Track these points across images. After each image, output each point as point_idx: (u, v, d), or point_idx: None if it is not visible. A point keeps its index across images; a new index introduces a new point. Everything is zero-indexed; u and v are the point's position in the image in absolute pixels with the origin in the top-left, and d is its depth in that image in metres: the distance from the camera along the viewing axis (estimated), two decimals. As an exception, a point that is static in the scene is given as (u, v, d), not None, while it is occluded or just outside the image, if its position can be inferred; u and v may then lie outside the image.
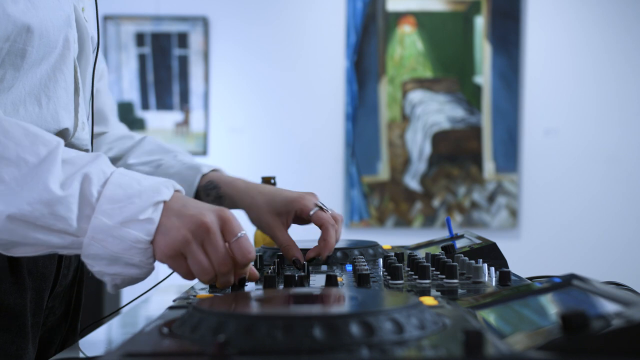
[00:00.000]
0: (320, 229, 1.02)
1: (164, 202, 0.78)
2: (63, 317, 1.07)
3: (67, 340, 1.10)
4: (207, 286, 0.86)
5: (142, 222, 0.75)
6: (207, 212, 0.78)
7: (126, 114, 3.63)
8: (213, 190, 1.10)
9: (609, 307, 0.56)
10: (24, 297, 0.93)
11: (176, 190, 0.81)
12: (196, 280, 0.92)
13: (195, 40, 3.59)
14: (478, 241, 1.09)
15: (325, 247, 1.00)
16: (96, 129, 1.17)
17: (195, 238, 0.77)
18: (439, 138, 3.60)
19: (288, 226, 1.05)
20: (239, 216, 0.84)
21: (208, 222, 0.77)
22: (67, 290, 1.06)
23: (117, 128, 1.22)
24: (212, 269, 0.77)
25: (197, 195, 1.11)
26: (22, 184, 0.74)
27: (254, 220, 1.07)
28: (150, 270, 0.78)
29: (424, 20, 3.61)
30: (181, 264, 0.78)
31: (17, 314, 0.92)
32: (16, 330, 0.92)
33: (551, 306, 0.65)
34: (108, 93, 1.22)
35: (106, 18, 3.58)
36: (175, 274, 1.18)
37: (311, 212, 1.02)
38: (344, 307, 0.63)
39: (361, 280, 0.81)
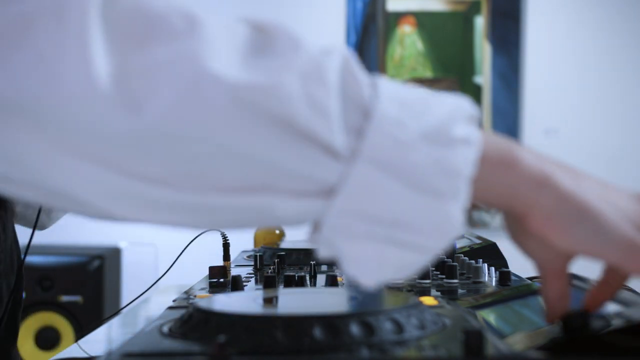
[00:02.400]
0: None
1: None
2: None
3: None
4: (206, 286, 0.86)
5: (457, 142, 0.42)
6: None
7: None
8: None
9: (609, 307, 0.56)
10: None
11: None
12: (201, 280, 0.92)
13: (195, 40, 3.59)
14: (478, 241, 1.09)
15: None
16: None
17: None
18: (439, 138, 3.61)
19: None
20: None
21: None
22: None
23: None
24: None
25: None
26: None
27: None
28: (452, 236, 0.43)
29: (424, 20, 3.61)
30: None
31: None
32: None
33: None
34: None
35: (106, 18, 3.58)
36: (175, 271, 1.14)
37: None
38: (344, 307, 0.63)
39: (361, 280, 0.81)
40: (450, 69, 3.63)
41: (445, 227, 0.42)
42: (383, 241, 0.42)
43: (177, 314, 0.63)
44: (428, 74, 3.62)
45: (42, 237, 1.14)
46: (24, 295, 1.10)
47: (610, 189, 0.47)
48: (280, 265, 0.98)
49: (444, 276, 0.86)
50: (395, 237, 0.42)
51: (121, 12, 0.41)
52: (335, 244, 0.43)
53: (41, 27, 0.39)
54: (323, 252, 0.44)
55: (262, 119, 0.40)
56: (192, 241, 1.04)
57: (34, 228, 1.02)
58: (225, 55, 0.41)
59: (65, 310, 2.88)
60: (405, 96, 0.44)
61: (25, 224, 1.05)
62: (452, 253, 1.01)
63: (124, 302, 3.05)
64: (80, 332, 2.69)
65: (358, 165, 0.41)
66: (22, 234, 1.03)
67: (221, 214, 0.43)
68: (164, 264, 1.22)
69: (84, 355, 1.04)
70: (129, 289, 3.11)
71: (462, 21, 3.62)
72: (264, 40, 0.43)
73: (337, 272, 0.93)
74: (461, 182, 0.42)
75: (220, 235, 1.00)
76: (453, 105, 0.44)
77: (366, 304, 0.62)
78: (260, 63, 0.41)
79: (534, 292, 0.69)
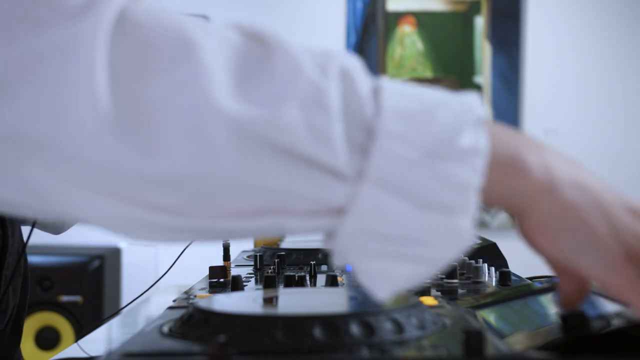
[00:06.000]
0: None
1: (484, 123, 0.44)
2: None
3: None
4: (206, 286, 0.86)
5: (463, 153, 0.42)
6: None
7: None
8: None
9: (609, 307, 0.56)
10: None
11: None
12: (201, 280, 0.92)
13: (195, 40, 3.59)
14: (478, 241, 1.09)
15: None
16: None
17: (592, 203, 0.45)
18: (439, 138, 3.61)
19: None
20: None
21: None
22: None
23: None
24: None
25: None
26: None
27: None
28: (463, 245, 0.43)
29: (424, 20, 3.61)
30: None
31: None
32: None
33: (551, 306, 0.65)
34: None
35: (106, 18, 3.58)
36: (175, 271, 1.14)
37: None
38: (344, 307, 0.63)
39: (361, 280, 0.81)
40: (450, 69, 3.63)
41: (456, 240, 0.42)
42: (394, 257, 0.42)
43: (177, 314, 0.63)
44: (428, 74, 3.62)
45: (42, 237, 1.14)
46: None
47: (611, 197, 0.47)
48: (280, 265, 0.98)
49: (444, 276, 0.86)
50: (406, 253, 0.42)
51: (126, 46, 0.41)
52: (348, 259, 0.43)
53: (50, 64, 0.40)
54: (338, 261, 0.44)
55: (267, 150, 0.41)
56: (192, 241, 1.04)
57: (29, 235, 1.01)
58: (224, 80, 0.41)
59: (65, 310, 2.88)
60: (408, 106, 0.43)
61: (41, 227, 1.05)
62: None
63: (124, 302, 3.05)
64: (80, 332, 2.69)
65: (364, 187, 0.41)
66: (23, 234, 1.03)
67: (233, 234, 0.44)
68: (164, 264, 1.22)
69: (84, 355, 1.04)
70: (129, 289, 3.11)
71: (462, 21, 3.62)
72: (261, 54, 0.43)
73: (337, 272, 0.93)
74: (470, 194, 0.42)
75: (220, 235, 1.00)
76: (459, 110, 0.43)
77: (366, 304, 0.62)
78: (260, 90, 0.41)
79: (534, 292, 0.69)
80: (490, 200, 0.45)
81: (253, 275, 0.96)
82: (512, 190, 0.45)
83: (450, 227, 0.42)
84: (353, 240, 0.42)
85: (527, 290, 0.71)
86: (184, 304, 0.73)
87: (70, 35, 0.40)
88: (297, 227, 0.43)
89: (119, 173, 0.41)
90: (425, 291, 0.78)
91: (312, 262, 0.90)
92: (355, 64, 0.43)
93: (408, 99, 0.43)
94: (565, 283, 0.50)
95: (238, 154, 0.40)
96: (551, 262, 0.49)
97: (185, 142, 0.40)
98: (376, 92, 0.43)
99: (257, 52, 0.43)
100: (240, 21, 0.45)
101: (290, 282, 0.80)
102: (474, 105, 0.44)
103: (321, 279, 0.89)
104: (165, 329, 0.58)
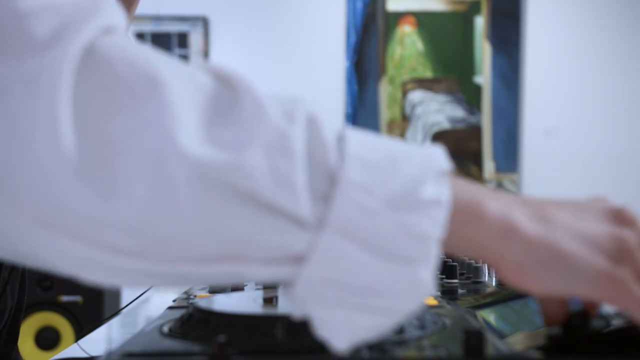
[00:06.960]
0: None
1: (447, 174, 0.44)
2: None
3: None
4: (206, 286, 0.85)
5: (425, 204, 0.42)
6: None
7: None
8: None
9: (609, 307, 0.56)
10: None
11: None
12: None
13: (195, 40, 3.59)
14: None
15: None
16: None
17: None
18: (439, 138, 3.61)
19: None
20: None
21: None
22: None
23: None
24: None
25: None
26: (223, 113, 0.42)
27: None
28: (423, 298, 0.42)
29: (424, 20, 3.61)
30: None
31: None
32: None
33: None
34: None
35: (106, 18, 3.58)
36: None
37: None
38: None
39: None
40: (450, 69, 3.62)
41: (416, 291, 0.42)
42: (353, 308, 0.41)
43: (177, 314, 0.63)
44: (428, 74, 3.62)
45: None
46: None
47: (580, 214, 0.46)
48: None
49: (444, 276, 0.86)
50: (366, 303, 0.41)
51: (92, 81, 0.40)
52: (307, 308, 0.42)
53: (13, 96, 0.39)
54: (296, 312, 0.43)
55: (228, 195, 0.40)
56: (151, 287, 1.04)
57: None
58: (189, 121, 0.40)
59: (65, 310, 2.88)
60: (372, 157, 0.42)
61: None
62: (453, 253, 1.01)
63: (124, 302, 3.05)
64: (80, 332, 2.69)
65: (325, 235, 0.40)
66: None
67: (192, 280, 0.43)
68: (164, 264, 1.21)
69: (84, 355, 1.04)
70: (129, 289, 3.10)
71: (462, 21, 3.62)
72: (228, 97, 0.43)
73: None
74: (431, 245, 0.41)
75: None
76: (422, 162, 0.43)
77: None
78: (225, 134, 0.41)
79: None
80: (455, 250, 0.45)
81: (253, 275, 0.96)
82: (473, 239, 0.44)
83: (410, 278, 0.41)
84: (312, 288, 0.41)
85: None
86: (184, 304, 0.73)
87: (35, 68, 0.39)
88: (256, 275, 0.42)
89: (78, 213, 0.39)
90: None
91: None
92: (321, 111, 0.43)
93: (372, 149, 0.43)
94: (547, 306, 0.51)
95: (199, 198, 0.40)
96: (539, 297, 0.49)
97: (146, 186, 0.39)
98: (341, 140, 0.43)
99: (225, 95, 0.43)
100: (212, 63, 0.45)
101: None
102: (437, 157, 0.44)
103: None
104: (165, 329, 0.58)
